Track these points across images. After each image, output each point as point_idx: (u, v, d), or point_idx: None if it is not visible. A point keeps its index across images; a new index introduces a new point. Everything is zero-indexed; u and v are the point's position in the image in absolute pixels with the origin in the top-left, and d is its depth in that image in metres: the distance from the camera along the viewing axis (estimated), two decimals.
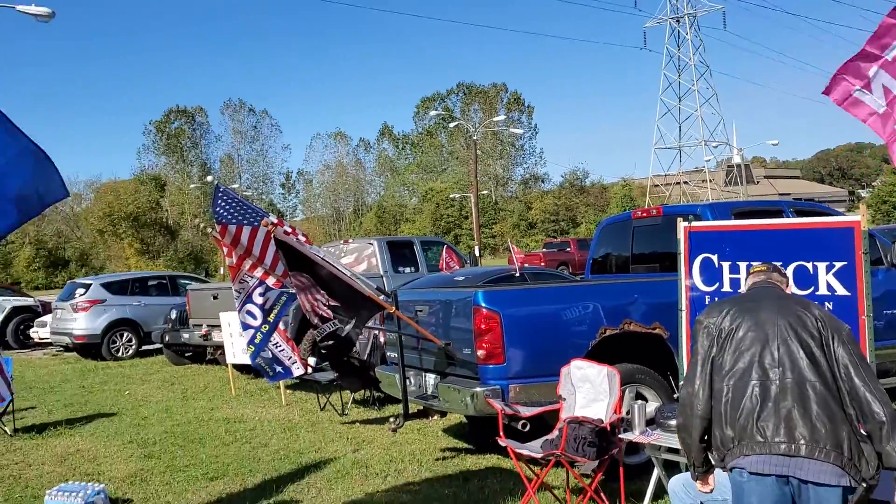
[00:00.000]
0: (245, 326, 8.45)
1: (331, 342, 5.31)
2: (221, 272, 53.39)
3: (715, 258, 5.27)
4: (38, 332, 18.78)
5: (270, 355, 8.40)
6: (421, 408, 7.17)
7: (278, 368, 8.33)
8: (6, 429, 8.93)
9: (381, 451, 7.39)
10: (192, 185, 74.36)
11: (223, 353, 12.51)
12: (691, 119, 73.95)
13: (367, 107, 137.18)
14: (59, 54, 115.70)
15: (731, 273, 5.20)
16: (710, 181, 71.35)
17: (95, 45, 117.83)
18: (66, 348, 17.24)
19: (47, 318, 18.27)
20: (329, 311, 5.27)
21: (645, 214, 8.34)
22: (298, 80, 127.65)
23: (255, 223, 7.28)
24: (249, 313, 8.62)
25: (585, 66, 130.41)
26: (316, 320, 5.26)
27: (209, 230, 7.65)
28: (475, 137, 48.37)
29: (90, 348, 16.30)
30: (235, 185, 70.15)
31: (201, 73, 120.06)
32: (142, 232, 73.36)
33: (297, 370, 9.77)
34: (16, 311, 20.00)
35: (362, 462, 7.01)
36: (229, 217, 7.13)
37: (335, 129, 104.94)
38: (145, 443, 8.27)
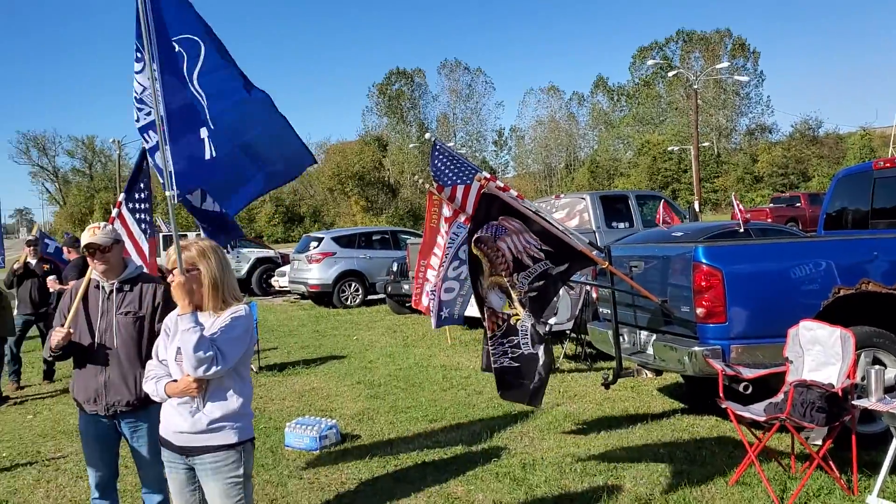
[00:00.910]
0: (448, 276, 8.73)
1: (541, 282, 5.37)
2: None
3: None
4: (279, 281, 20.63)
5: (437, 300, 8.68)
6: (634, 365, 7.08)
7: (444, 314, 8.59)
8: (252, 367, 9.93)
9: (592, 406, 7.41)
10: (411, 145, 77.38)
11: None
12: None
13: (581, 59, 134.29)
14: (292, 25, 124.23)
15: None
16: None
17: (326, 14, 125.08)
18: (302, 296, 18.79)
19: (286, 268, 20.01)
20: (541, 253, 5.33)
21: (888, 164, 7.57)
22: (511, 36, 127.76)
23: (468, 181, 7.50)
24: (458, 258, 8.89)
25: (819, 6, 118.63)
26: (527, 260, 5.35)
27: (427, 186, 7.99)
28: (696, 87, 45.95)
29: (322, 296, 17.68)
30: (451, 144, 71.79)
31: (420, 34, 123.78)
32: (366, 190, 77.65)
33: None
34: (259, 261, 22.11)
35: (574, 415, 7.07)
36: (444, 178, 7.40)
37: (548, 83, 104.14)
38: (372, 384, 8.89)
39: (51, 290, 9.91)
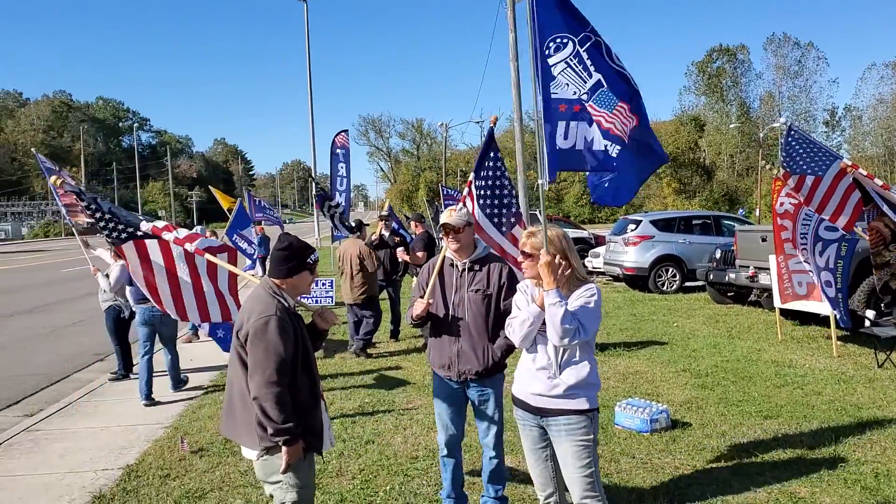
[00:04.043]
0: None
1: None
2: (756, 214, 52.01)
3: None
4: (592, 262, 20.86)
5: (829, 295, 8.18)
6: None
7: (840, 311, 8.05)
8: None
9: None
10: (731, 125, 73.27)
11: (769, 297, 12.37)
12: None
13: None
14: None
15: None
16: None
17: None
18: (616, 278, 18.84)
19: (600, 249, 20.17)
20: None
21: None
22: (850, 6, 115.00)
23: (821, 171, 7.02)
24: (819, 238, 8.44)
25: None
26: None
27: (776, 172, 7.63)
28: None
29: (637, 280, 17.57)
30: (775, 125, 66.78)
31: (745, 8, 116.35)
32: (679, 172, 75.16)
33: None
34: (574, 242, 22.51)
35: None
36: (794, 166, 7.02)
37: (894, 57, 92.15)
38: (697, 373, 8.74)
39: (399, 259, 11.10)
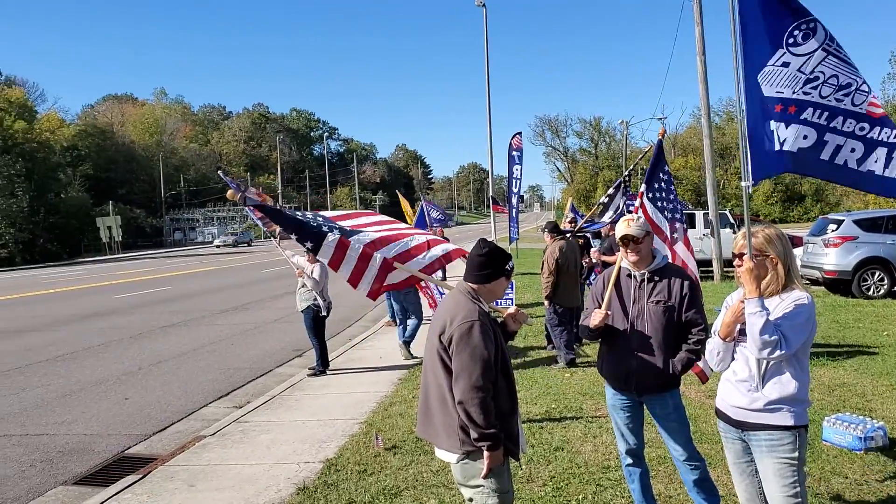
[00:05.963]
0: None
1: None
2: None
3: None
4: None
5: None
6: None
7: None
8: None
9: None
10: None
11: None
12: None
13: None
14: None
15: None
16: None
17: None
18: (814, 282, 17.58)
19: (797, 251, 18.91)
20: None
21: None
22: None
23: None
24: None
25: None
26: None
27: None
28: None
29: (839, 284, 16.34)
30: None
31: None
32: None
33: None
34: None
35: None
36: None
37: None
38: None
39: (593, 260, 10.98)
